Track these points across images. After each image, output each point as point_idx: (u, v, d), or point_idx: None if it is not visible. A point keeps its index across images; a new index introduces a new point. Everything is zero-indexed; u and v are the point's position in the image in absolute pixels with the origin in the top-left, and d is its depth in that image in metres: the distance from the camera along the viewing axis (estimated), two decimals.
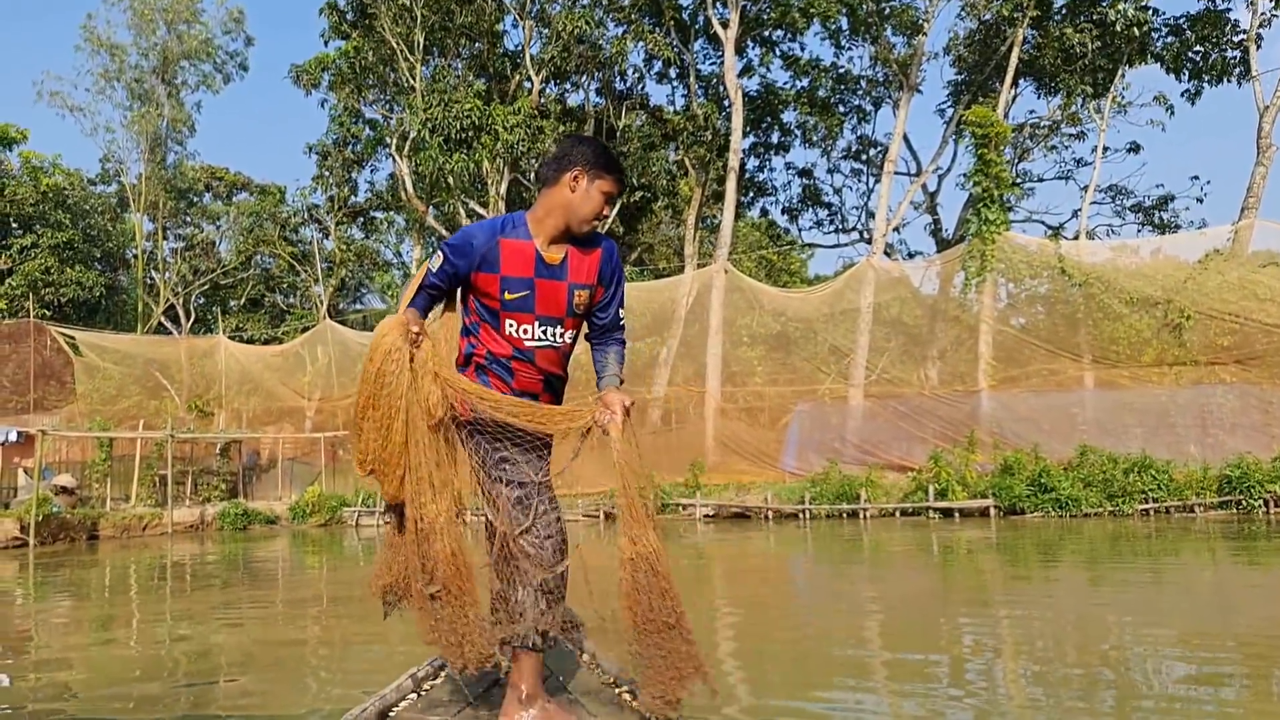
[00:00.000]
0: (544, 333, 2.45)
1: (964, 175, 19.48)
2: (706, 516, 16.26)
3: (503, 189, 22.23)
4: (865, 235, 27.11)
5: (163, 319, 30.44)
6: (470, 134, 20.39)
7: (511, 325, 2.43)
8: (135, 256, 30.79)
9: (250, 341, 26.99)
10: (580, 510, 16.72)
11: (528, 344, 2.44)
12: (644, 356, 20.07)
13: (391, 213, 31.04)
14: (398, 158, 23.47)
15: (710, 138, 22.61)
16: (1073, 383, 16.93)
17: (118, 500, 16.67)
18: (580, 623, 2.72)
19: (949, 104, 24.09)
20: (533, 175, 23.11)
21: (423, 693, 2.65)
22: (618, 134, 22.96)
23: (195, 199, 33.53)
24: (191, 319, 31.35)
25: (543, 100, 22.87)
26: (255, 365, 22.82)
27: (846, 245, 29.21)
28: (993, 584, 8.36)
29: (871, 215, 24.98)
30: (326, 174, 28.96)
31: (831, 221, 28.84)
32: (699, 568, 10.49)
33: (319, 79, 25.15)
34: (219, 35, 31.14)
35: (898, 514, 15.41)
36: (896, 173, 22.85)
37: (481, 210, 22.27)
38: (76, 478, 16.23)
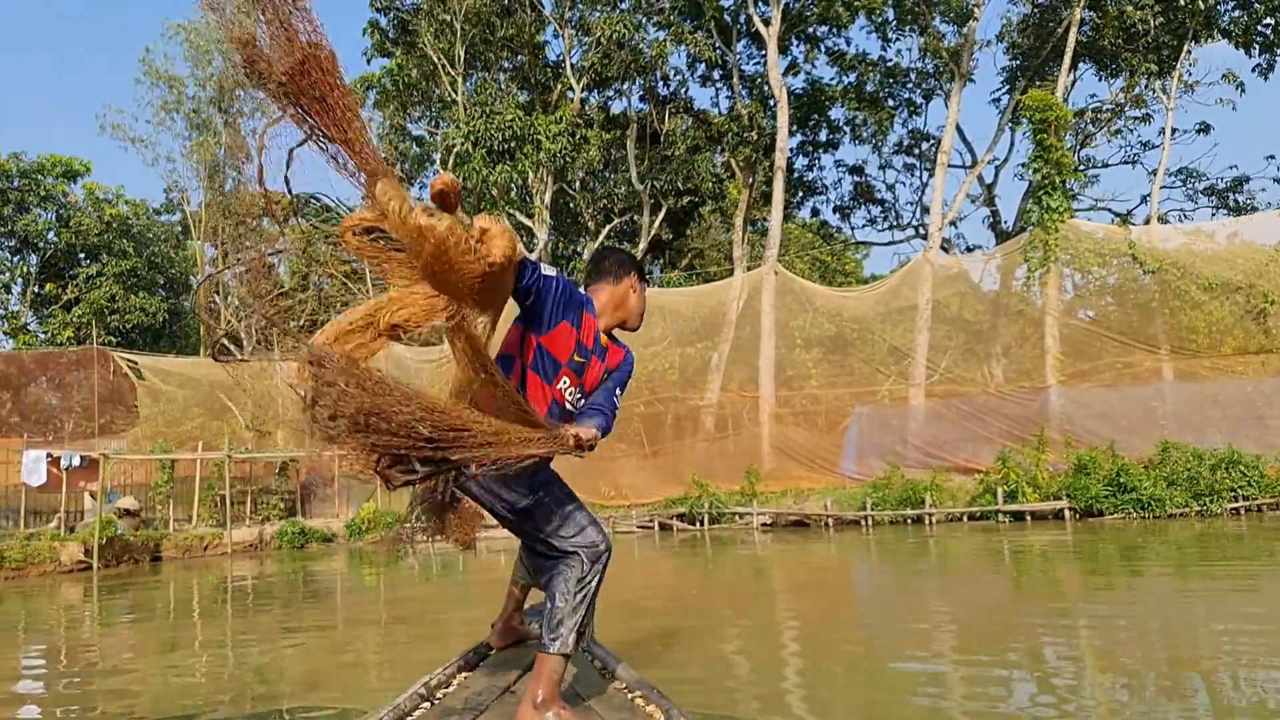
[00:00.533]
0: (579, 400, 2.69)
1: (1022, 164, 18.79)
2: (764, 525, 15.83)
3: (547, 198, 22.15)
4: (921, 231, 26.32)
5: (225, 341, 31.11)
6: (513, 145, 20.35)
7: (565, 383, 2.62)
8: (198, 282, 31.58)
9: None
10: (635, 521, 16.43)
11: (568, 405, 2.64)
12: (695, 362, 19.71)
13: None
14: (443, 172, 23.57)
15: (756, 138, 22.21)
16: (1149, 375, 16.10)
17: (181, 521, 16.91)
18: (592, 628, 2.77)
19: (1003, 91, 23.29)
20: (577, 183, 23.06)
21: (435, 701, 2.65)
22: (661, 139, 22.72)
23: (253, 223, 34.30)
24: (254, 340, 31.99)
25: (585, 109, 22.75)
26: None
27: (901, 242, 28.39)
28: (1072, 592, 7.83)
29: (926, 210, 24.22)
30: None
31: (885, 218, 28.19)
32: (758, 578, 10.11)
33: (364, 98, 25.47)
34: None
35: (965, 518, 14.80)
36: (951, 165, 22.13)
37: (527, 221, 22.19)
38: (140, 500, 16.51)
